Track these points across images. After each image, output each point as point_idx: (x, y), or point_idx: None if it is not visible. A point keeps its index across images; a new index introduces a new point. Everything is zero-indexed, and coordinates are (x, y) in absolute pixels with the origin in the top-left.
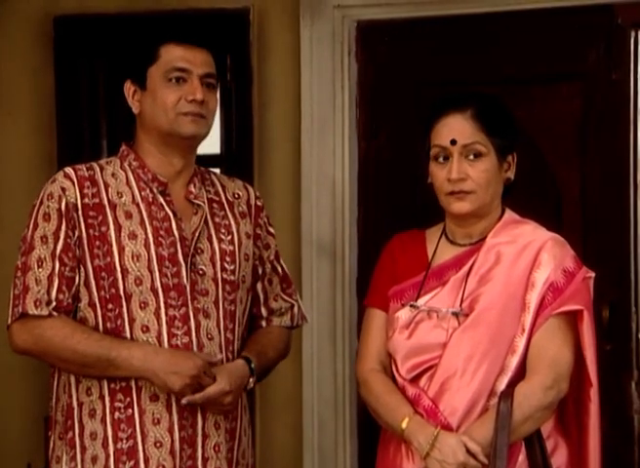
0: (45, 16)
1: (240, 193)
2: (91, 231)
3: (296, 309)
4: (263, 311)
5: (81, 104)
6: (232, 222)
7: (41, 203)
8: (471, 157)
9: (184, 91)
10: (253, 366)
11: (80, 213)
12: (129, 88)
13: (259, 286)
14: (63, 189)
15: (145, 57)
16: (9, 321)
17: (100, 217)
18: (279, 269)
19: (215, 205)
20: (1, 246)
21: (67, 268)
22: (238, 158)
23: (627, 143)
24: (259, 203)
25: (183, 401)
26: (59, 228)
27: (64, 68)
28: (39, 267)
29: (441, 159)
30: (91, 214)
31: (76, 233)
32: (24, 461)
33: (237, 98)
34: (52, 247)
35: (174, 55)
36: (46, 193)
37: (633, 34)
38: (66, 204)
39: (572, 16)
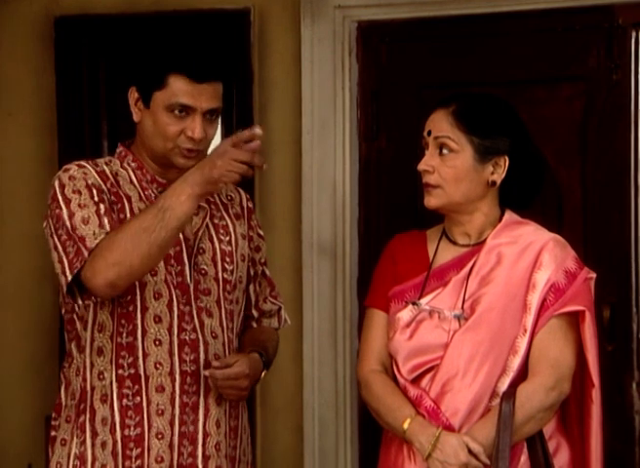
0: (46, 16)
1: (232, 195)
2: (114, 216)
3: (282, 312)
4: (254, 312)
5: (82, 105)
6: (229, 223)
7: (63, 185)
8: (444, 151)
9: (186, 125)
10: (264, 359)
11: (106, 194)
12: (133, 95)
13: (250, 287)
14: (84, 173)
15: (153, 80)
16: (69, 277)
17: (120, 205)
18: (267, 272)
19: (212, 206)
20: (2, 245)
21: (115, 223)
22: None
23: (628, 144)
24: (249, 205)
25: (205, 372)
26: (92, 196)
27: (65, 69)
28: (86, 224)
29: (425, 152)
30: (113, 199)
31: (107, 205)
32: (25, 461)
33: (238, 99)
34: (94, 208)
35: (180, 89)
36: (65, 178)
37: (634, 35)
38: (92, 183)
39: (572, 16)
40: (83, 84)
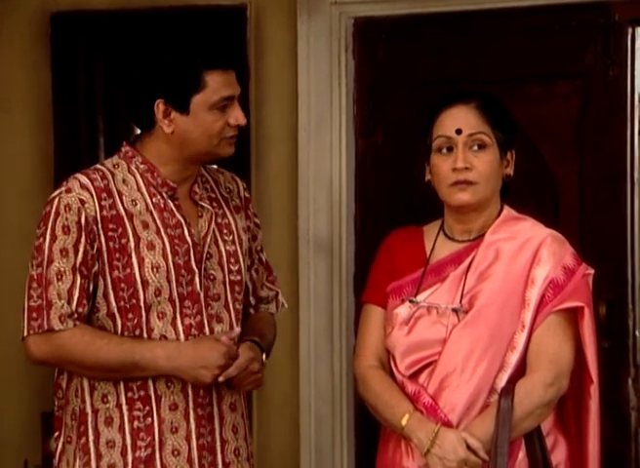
0: (42, 13)
1: (231, 187)
2: (111, 244)
3: (280, 297)
4: (252, 300)
5: (78, 101)
6: (231, 220)
7: (57, 214)
8: (475, 148)
9: (228, 116)
10: (261, 347)
11: (100, 226)
12: (160, 109)
13: (247, 276)
14: (82, 201)
15: (190, 84)
16: (25, 333)
17: (120, 230)
18: (263, 259)
19: (214, 204)
20: None
21: (86, 281)
22: (235, 154)
23: (625, 141)
24: (247, 194)
25: (220, 378)
26: (78, 241)
27: (62, 65)
28: (59, 280)
29: (445, 150)
30: (110, 226)
31: (95, 246)
32: (21, 458)
33: None
34: (72, 260)
35: (220, 83)
36: (62, 204)
37: (630, 31)
38: (86, 217)
39: (569, 13)
40: (79, 80)
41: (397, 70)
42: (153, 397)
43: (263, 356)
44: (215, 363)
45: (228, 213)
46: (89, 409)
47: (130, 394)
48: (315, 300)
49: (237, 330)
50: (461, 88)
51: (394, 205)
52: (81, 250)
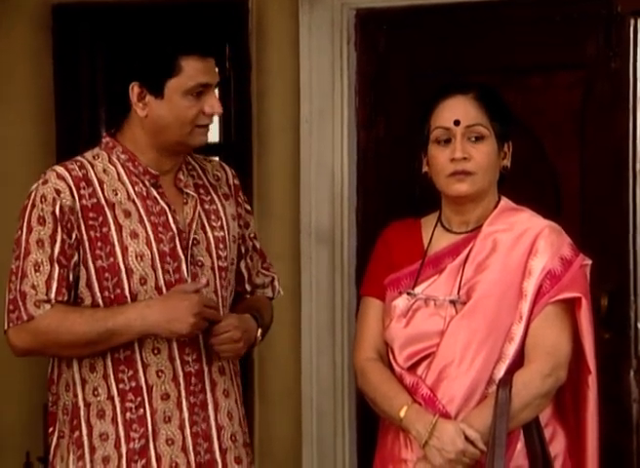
0: (44, 4)
1: (219, 174)
2: (92, 233)
3: (275, 282)
4: (248, 287)
5: (80, 92)
6: (219, 207)
7: (33, 206)
8: (473, 139)
9: (203, 103)
10: (259, 322)
11: (80, 215)
12: (135, 91)
13: (242, 264)
14: (57, 191)
15: (165, 69)
16: (5, 326)
17: (101, 218)
18: (257, 245)
19: (201, 190)
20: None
21: (66, 271)
22: (237, 147)
23: (626, 132)
24: (236, 182)
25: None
26: (55, 231)
27: (63, 56)
28: (36, 272)
29: (443, 141)
30: (91, 215)
31: (74, 236)
32: (23, 450)
33: (236, 87)
34: (49, 251)
35: (196, 69)
36: (38, 195)
37: (633, 22)
38: (61, 207)
39: (571, 4)
40: (81, 71)
41: (399, 61)
42: (144, 388)
43: (259, 332)
44: (187, 311)
45: (216, 199)
46: (81, 403)
47: (121, 385)
48: (317, 293)
49: (204, 280)
50: (462, 78)
51: (396, 197)
52: (58, 239)
